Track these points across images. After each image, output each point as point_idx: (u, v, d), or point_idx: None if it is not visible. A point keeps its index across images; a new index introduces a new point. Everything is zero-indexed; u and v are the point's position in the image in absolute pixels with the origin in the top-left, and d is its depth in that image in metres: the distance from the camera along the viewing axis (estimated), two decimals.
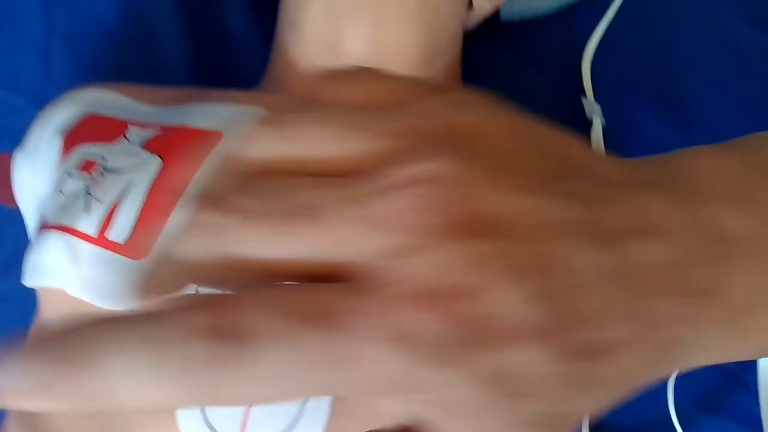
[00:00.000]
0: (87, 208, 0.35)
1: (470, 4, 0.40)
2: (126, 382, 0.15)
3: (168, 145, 0.37)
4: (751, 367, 0.42)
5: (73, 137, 0.39)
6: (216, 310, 0.16)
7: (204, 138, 0.37)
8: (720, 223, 0.21)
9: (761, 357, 0.22)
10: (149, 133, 0.38)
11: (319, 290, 0.16)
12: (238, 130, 0.37)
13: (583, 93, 0.49)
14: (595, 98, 0.48)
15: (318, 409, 0.32)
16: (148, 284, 0.31)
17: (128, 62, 0.50)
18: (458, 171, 0.17)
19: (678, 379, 0.42)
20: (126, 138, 0.38)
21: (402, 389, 0.17)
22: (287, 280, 0.17)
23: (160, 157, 0.36)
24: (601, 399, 0.19)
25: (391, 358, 0.16)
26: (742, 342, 0.22)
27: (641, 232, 0.20)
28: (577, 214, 0.18)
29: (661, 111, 0.48)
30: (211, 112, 0.40)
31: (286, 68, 0.41)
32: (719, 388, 0.43)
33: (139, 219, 0.34)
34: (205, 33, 0.49)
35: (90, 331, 0.16)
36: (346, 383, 0.16)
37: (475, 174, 0.17)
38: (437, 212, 0.17)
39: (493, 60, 0.49)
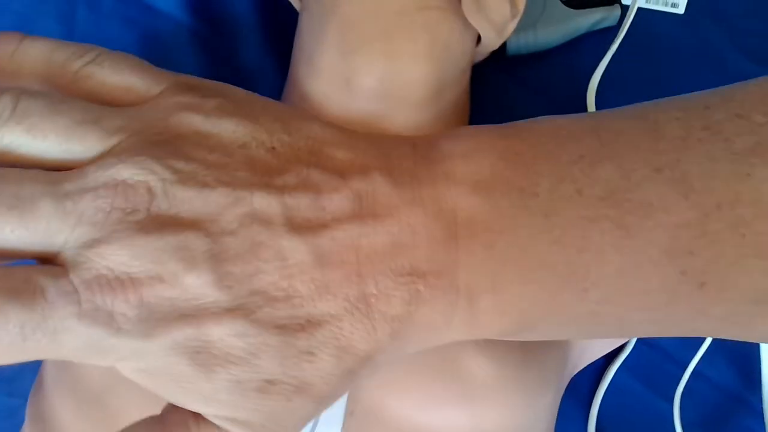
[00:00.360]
0: None
1: (479, 40, 0.41)
2: None
3: None
4: (756, 388, 0.43)
5: None
6: None
7: None
8: (452, 208, 0.22)
9: (507, 338, 0.24)
10: None
11: (29, 271, 0.19)
12: None
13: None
14: None
15: (332, 419, 0.33)
16: None
17: None
18: (146, 175, 0.19)
19: (684, 401, 0.43)
20: None
21: (98, 355, 0.19)
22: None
23: None
24: (326, 366, 0.21)
25: (82, 329, 0.19)
26: (479, 322, 0.23)
27: (355, 218, 0.21)
28: (269, 204, 0.20)
29: None
30: None
31: (300, 101, 0.42)
32: (725, 410, 0.44)
33: None
34: (221, 68, 0.51)
35: None
36: (49, 348, 0.19)
37: (164, 176, 0.20)
38: (120, 211, 0.19)
39: (501, 92, 0.51)
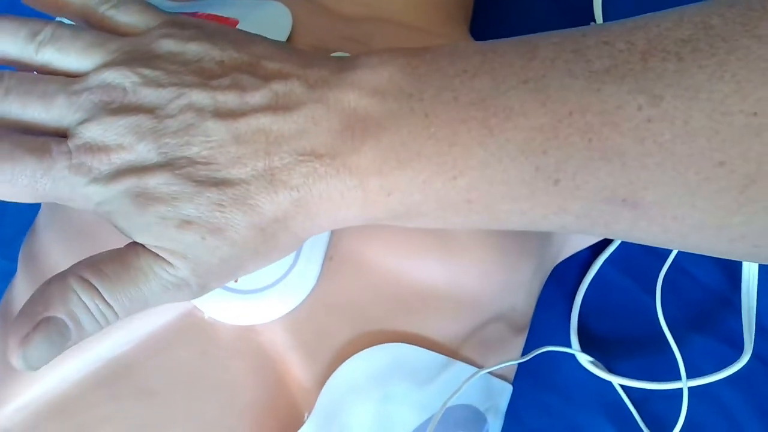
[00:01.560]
0: None
1: None
2: None
3: None
4: (738, 287, 0.43)
5: None
6: None
7: (219, 20, 0.39)
8: (353, 107, 0.28)
9: (398, 222, 0.30)
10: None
11: (45, 138, 0.29)
12: (252, 19, 0.39)
13: (593, 20, 0.49)
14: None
15: (310, 264, 0.34)
16: None
17: None
18: (123, 79, 0.29)
19: (668, 297, 0.43)
20: None
21: (79, 198, 0.29)
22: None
23: None
24: (234, 217, 0.28)
25: (70, 177, 0.28)
26: (369, 201, 0.29)
27: (269, 110, 0.28)
28: (203, 98, 0.28)
29: None
30: (229, 2, 0.41)
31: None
32: (708, 308, 0.44)
33: None
34: None
35: None
36: (49, 190, 0.28)
37: (134, 80, 0.29)
38: (103, 102, 0.29)
39: None
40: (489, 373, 0.36)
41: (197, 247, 0.28)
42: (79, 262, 0.29)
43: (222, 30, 0.31)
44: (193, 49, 0.29)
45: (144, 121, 0.28)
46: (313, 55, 0.31)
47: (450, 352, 0.35)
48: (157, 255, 0.28)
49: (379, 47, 0.39)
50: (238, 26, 0.38)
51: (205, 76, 0.29)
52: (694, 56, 0.26)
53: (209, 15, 0.39)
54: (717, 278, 0.44)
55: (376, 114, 0.28)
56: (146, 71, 0.29)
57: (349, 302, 0.34)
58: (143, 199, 0.28)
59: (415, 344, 0.34)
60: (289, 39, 0.38)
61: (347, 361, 0.33)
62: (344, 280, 0.34)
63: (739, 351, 0.42)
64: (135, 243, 0.29)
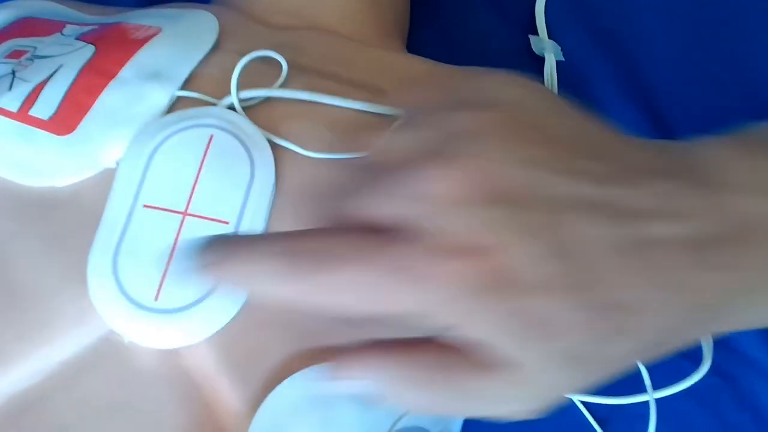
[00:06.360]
0: (11, 87, 0.33)
1: None
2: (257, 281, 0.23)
3: (104, 36, 0.36)
4: None
5: (4, 35, 0.38)
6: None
7: (140, 30, 0.36)
8: (740, 210, 0.24)
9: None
10: (86, 29, 0.37)
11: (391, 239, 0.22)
12: (176, 27, 0.36)
13: (536, 32, 0.49)
14: (549, 37, 0.48)
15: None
16: (74, 162, 0.30)
17: None
18: (482, 152, 0.22)
19: None
20: (62, 33, 0.37)
21: (448, 314, 0.22)
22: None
23: (94, 46, 0.35)
24: (625, 347, 0.23)
25: (442, 292, 0.22)
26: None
27: (660, 214, 0.23)
28: (591, 190, 0.22)
29: (613, 49, 0.48)
30: (153, 14, 0.39)
31: None
32: None
33: (66, 97, 0.33)
34: None
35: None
36: (402, 299, 0.22)
37: (496, 155, 0.22)
38: (462, 188, 0.22)
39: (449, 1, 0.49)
40: None
41: (573, 380, 0.24)
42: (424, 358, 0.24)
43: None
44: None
45: (527, 216, 0.22)
46: (652, 149, 0.26)
47: None
48: (519, 380, 0.23)
49: (312, 54, 0.37)
50: (160, 35, 0.35)
51: (574, 156, 0.24)
52: None
53: (131, 25, 0.37)
54: None
55: (763, 216, 0.24)
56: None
57: (283, 318, 0.31)
58: (539, 328, 0.22)
59: None
60: (215, 46, 0.36)
61: (284, 382, 0.30)
62: None
63: (697, 364, 0.40)
64: (483, 354, 0.23)
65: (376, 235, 0.22)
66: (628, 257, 0.22)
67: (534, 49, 0.48)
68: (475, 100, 0.24)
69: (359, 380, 0.25)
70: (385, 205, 0.23)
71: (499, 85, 0.25)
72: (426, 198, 0.22)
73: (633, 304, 0.22)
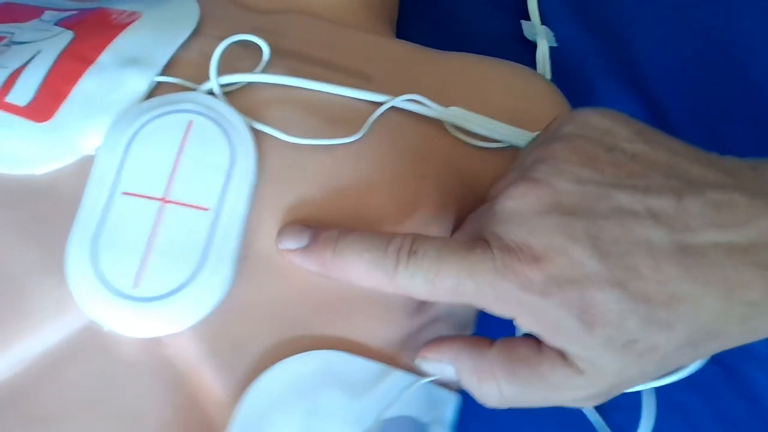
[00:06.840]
0: None
1: None
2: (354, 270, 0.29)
3: (83, 21, 0.35)
4: None
5: None
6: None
7: (121, 15, 0.36)
8: None
9: None
10: (66, 14, 0.37)
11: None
12: (157, 11, 0.36)
13: (527, 17, 0.48)
14: (542, 23, 0.47)
15: (218, 271, 0.30)
16: (51, 149, 0.29)
17: None
18: (550, 174, 0.27)
19: None
20: (40, 19, 0.37)
21: (516, 306, 0.27)
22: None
23: (73, 31, 0.34)
24: (679, 337, 0.25)
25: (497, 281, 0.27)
26: None
27: (711, 223, 0.25)
28: (633, 200, 0.26)
29: (606, 35, 0.48)
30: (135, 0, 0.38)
31: None
32: None
33: (43, 83, 0.32)
34: None
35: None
36: (471, 293, 0.27)
37: (559, 176, 0.27)
38: (537, 200, 0.27)
39: None
40: (432, 381, 0.33)
41: (628, 367, 0.26)
42: (495, 353, 0.29)
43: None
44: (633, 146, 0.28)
45: (588, 224, 0.26)
46: (719, 160, 0.28)
47: (387, 358, 0.32)
48: (577, 369, 0.27)
49: (294, 38, 0.37)
50: (140, 20, 0.35)
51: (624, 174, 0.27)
52: None
53: (112, 10, 0.36)
54: None
55: None
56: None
57: (268, 305, 0.30)
58: (589, 316, 0.25)
59: (345, 351, 0.30)
60: (197, 30, 0.35)
61: (268, 370, 0.29)
62: (261, 282, 0.31)
63: None
64: (544, 346, 0.27)
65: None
66: (681, 256, 0.25)
67: (526, 35, 0.47)
68: (565, 132, 0.28)
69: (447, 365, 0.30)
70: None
71: (589, 117, 0.28)
72: (504, 211, 0.27)
73: (676, 296, 0.25)
